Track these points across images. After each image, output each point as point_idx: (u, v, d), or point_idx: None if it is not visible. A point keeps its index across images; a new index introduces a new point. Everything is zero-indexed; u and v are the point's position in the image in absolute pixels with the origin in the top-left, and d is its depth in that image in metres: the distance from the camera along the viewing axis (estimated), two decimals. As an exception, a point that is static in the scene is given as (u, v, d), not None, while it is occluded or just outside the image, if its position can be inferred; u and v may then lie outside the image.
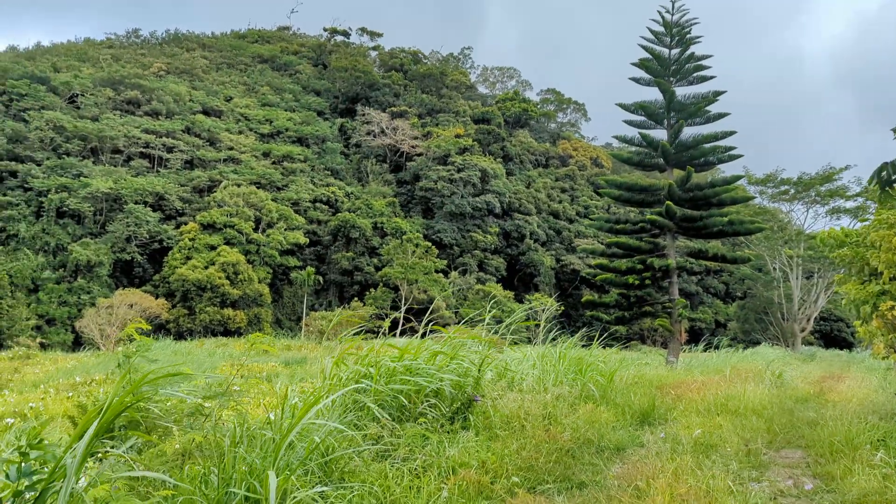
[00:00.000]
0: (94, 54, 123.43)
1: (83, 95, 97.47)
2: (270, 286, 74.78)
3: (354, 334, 7.80)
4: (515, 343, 11.85)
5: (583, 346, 12.78)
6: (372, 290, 75.75)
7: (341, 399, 6.45)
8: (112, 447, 5.26)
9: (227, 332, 65.07)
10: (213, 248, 71.66)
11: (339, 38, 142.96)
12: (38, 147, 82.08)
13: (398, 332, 44.74)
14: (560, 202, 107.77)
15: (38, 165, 78.88)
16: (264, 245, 75.49)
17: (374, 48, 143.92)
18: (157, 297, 64.49)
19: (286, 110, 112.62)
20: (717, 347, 30.09)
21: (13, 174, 76.95)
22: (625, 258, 30.28)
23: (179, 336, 60.36)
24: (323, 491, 4.05)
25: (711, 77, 32.86)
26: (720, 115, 32.06)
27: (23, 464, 4.19)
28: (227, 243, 72.60)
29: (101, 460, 5.04)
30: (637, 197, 31.75)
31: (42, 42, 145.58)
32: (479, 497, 4.93)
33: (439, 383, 6.95)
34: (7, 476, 4.15)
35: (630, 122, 32.86)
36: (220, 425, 5.06)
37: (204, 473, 3.93)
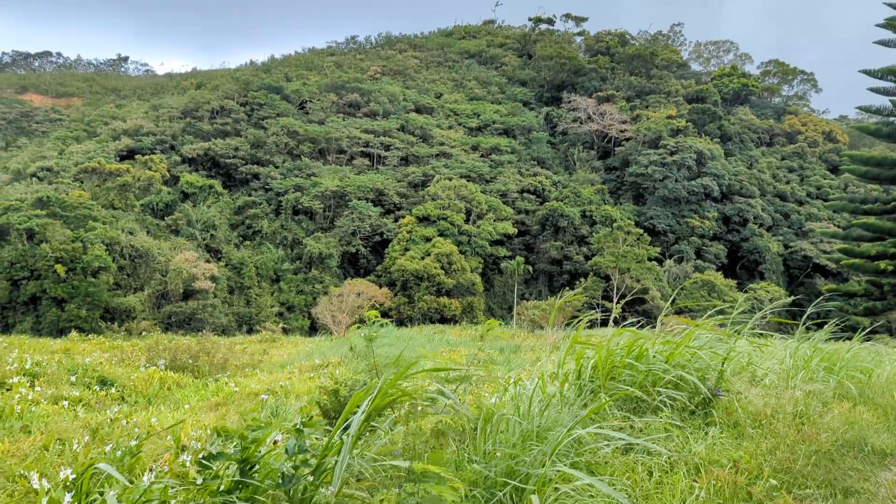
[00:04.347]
0: (318, 62, 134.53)
1: (311, 101, 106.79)
2: (482, 276, 76.79)
3: (566, 324, 7.62)
4: (738, 333, 11.04)
5: (829, 339, 11.55)
6: (582, 279, 74.88)
7: (572, 388, 6.39)
8: (370, 428, 5.64)
9: (444, 320, 67.88)
10: (428, 239, 75.09)
11: (544, 26, 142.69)
12: (275, 151, 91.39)
13: (610, 321, 43.75)
14: (787, 182, 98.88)
15: (276, 167, 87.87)
16: (475, 236, 77.67)
17: (580, 34, 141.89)
18: (380, 287, 69.05)
19: (492, 103, 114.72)
20: None
21: (256, 176, 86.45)
22: (874, 241, 26.94)
23: (400, 323, 64.10)
24: (578, 482, 3.98)
25: (982, 29, 28.21)
26: None
27: (297, 441, 4.54)
28: (441, 235, 75.66)
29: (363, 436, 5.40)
30: (887, 173, 28.11)
31: (275, 55, 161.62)
32: (734, 499, 4.61)
33: (680, 373, 6.62)
34: (286, 451, 4.51)
35: (876, 90, 29.17)
36: (464, 409, 5.20)
37: (466, 455, 4.04)
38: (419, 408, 5.83)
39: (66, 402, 11.98)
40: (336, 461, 3.99)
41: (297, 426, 4.69)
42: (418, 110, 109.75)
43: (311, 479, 4.17)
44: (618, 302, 64.47)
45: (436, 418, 4.99)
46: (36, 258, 56.26)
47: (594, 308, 60.85)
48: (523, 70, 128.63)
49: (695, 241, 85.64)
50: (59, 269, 55.59)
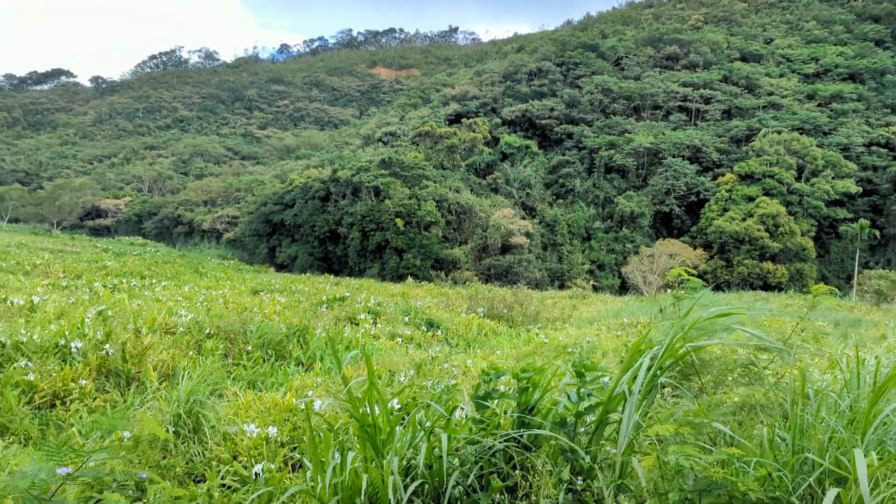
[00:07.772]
0: (635, 16, 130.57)
1: (627, 57, 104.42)
2: (815, 240, 69.01)
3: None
4: None
5: None
6: (946, 247, 63.25)
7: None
8: (662, 387, 5.54)
9: (767, 287, 62.65)
10: (750, 199, 69.56)
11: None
12: (588, 109, 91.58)
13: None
14: None
15: (589, 126, 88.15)
16: (807, 195, 69.84)
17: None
18: (694, 248, 65.98)
19: (835, 44, 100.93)
20: None
21: (570, 136, 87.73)
22: None
23: (717, 287, 60.67)
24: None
25: None
26: None
27: (582, 389, 4.53)
28: (766, 194, 69.55)
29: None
30: None
31: (591, 12, 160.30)
32: None
33: None
34: (568, 397, 4.57)
35: None
36: (781, 383, 4.87)
37: (777, 433, 3.77)
38: (729, 377, 5.61)
39: (399, 339, 13.73)
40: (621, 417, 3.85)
41: (578, 369, 4.52)
42: (744, 59, 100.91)
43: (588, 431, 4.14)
44: None
45: (744, 390, 4.76)
46: (381, 212, 64.34)
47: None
48: (878, 3, 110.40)
49: None
50: (399, 222, 62.91)
